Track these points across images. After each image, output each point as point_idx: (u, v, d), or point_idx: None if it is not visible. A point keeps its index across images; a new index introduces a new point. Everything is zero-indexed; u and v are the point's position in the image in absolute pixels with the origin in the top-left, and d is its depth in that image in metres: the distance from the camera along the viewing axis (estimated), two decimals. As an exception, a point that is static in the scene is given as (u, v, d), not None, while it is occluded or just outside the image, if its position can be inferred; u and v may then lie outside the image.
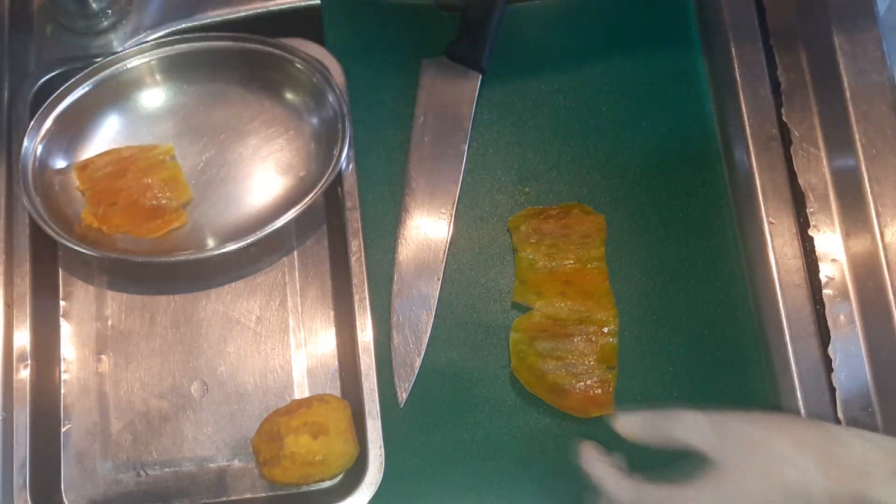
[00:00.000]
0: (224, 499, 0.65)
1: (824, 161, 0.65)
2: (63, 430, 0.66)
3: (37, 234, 0.65)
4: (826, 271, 0.63)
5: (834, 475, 0.44)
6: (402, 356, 0.64)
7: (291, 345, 0.68)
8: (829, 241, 0.64)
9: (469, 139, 0.68)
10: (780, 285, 0.63)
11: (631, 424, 0.50)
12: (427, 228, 0.66)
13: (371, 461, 0.61)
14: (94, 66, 0.67)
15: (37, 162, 0.66)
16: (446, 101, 0.68)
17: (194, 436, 0.66)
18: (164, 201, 0.67)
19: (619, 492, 0.49)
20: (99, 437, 0.66)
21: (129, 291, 0.69)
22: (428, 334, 0.64)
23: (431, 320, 0.64)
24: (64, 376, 0.67)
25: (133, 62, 0.68)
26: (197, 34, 0.69)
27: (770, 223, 0.64)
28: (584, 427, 0.62)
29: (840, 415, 0.60)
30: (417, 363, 0.64)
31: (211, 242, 0.66)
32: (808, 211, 0.64)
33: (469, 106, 0.68)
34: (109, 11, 0.70)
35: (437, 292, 0.65)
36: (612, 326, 0.63)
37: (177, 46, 0.68)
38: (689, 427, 0.48)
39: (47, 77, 0.69)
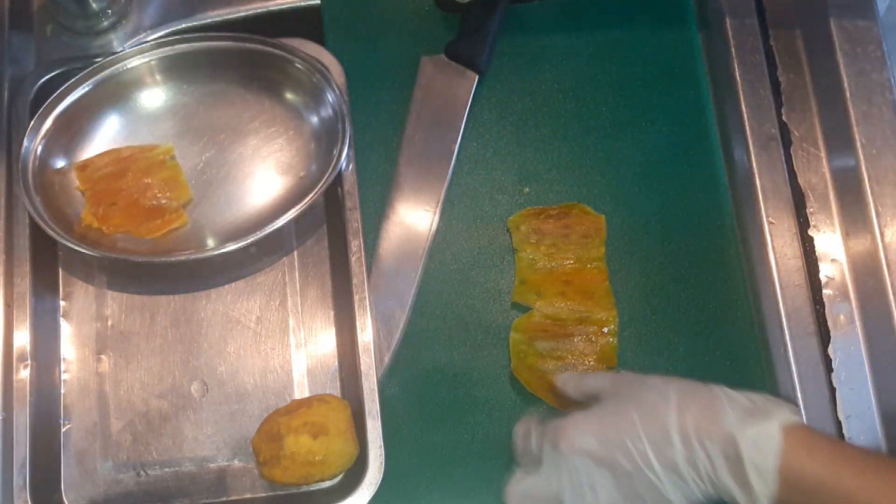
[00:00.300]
0: (224, 499, 0.65)
1: (824, 161, 0.65)
2: (63, 430, 0.66)
3: (37, 234, 0.65)
4: (826, 271, 0.63)
5: (689, 405, 0.49)
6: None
7: (291, 345, 0.68)
8: (829, 241, 0.64)
9: (461, 138, 0.68)
10: (780, 285, 0.63)
11: (563, 380, 0.58)
12: (410, 225, 0.66)
13: (371, 461, 0.61)
14: (94, 66, 0.67)
15: (37, 162, 0.66)
16: (441, 100, 0.68)
17: (194, 436, 0.66)
18: (164, 201, 0.67)
19: (524, 438, 0.56)
20: (99, 437, 0.66)
21: (129, 291, 0.69)
22: (400, 330, 0.64)
23: (405, 316, 0.65)
24: (64, 376, 0.67)
25: (133, 62, 0.68)
26: (197, 34, 0.69)
27: (770, 223, 0.64)
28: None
29: (840, 415, 0.60)
30: (387, 358, 0.64)
31: (211, 242, 0.66)
32: (808, 211, 0.64)
33: (463, 106, 0.68)
34: (109, 11, 0.70)
35: (414, 289, 0.65)
36: (612, 326, 0.63)
37: (177, 46, 0.68)
38: (596, 379, 0.56)
39: (47, 77, 0.69)
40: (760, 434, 0.47)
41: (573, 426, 0.51)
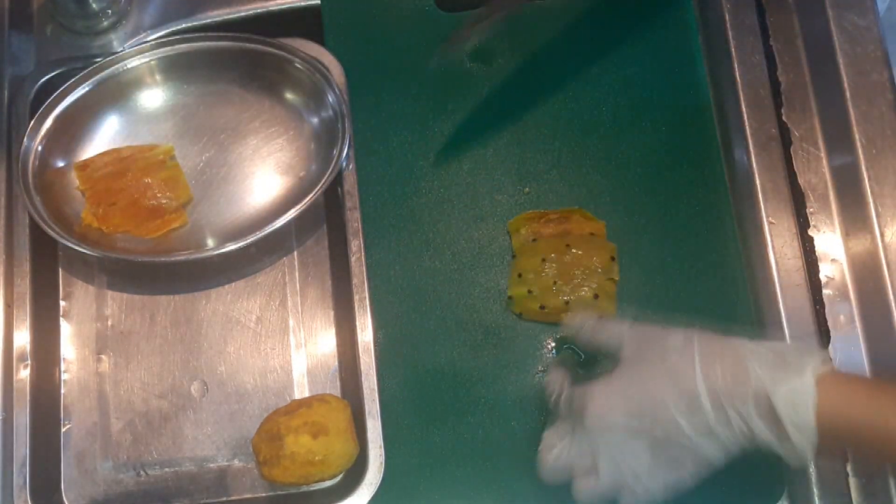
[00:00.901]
0: (224, 499, 0.65)
1: (824, 161, 0.65)
2: (63, 430, 0.66)
3: (37, 234, 0.65)
4: (826, 271, 0.63)
5: (714, 366, 0.48)
6: None
7: (291, 345, 0.68)
8: (829, 241, 0.64)
9: None
10: (780, 285, 0.63)
11: (577, 324, 0.57)
12: None
13: (371, 461, 0.61)
14: (94, 66, 0.67)
15: (37, 162, 0.66)
16: None
17: (194, 436, 0.66)
18: (164, 201, 0.67)
19: (556, 396, 0.56)
20: (99, 437, 0.66)
21: (129, 291, 0.69)
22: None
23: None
24: (64, 376, 0.67)
25: (133, 62, 0.68)
26: (197, 34, 0.69)
27: (770, 223, 0.64)
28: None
29: (840, 415, 0.60)
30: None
31: (211, 242, 0.66)
32: (808, 211, 0.64)
33: None
34: (109, 11, 0.70)
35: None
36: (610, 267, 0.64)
37: (177, 46, 0.68)
38: (612, 329, 0.55)
39: (47, 77, 0.69)
40: (794, 391, 0.46)
41: (599, 399, 0.51)
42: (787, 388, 0.46)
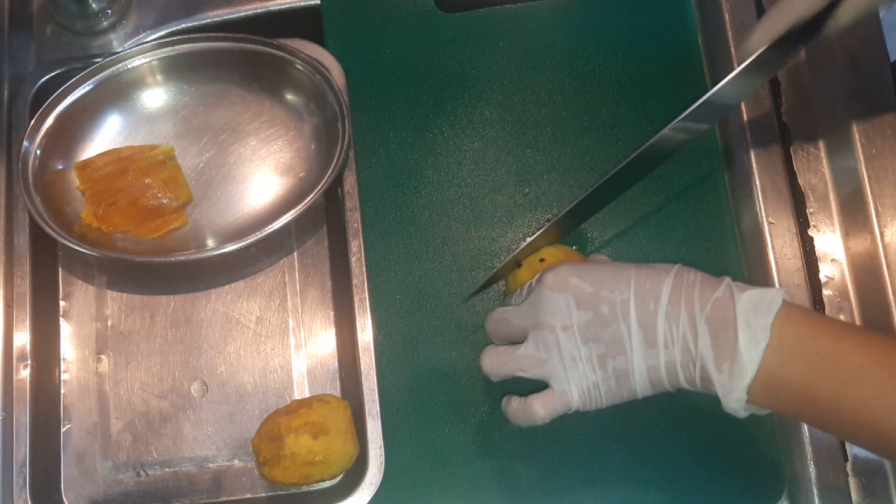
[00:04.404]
0: (224, 499, 0.65)
1: (824, 161, 0.65)
2: (63, 430, 0.66)
3: (37, 234, 0.65)
4: (826, 271, 0.63)
5: (689, 276, 0.49)
6: None
7: (291, 345, 0.68)
8: (829, 241, 0.64)
9: None
10: (780, 285, 0.63)
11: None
12: None
13: (371, 461, 0.61)
14: (94, 66, 0.67)
15: (37, 162, 0.66)
16: None
17: (194, 436, 0.66)
18: (164, 201, 0.67)
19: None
20: (99, 437, 0.66)
21: (129, 291, 0.69)
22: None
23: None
24: (64, 376, 0.67)
25: (133, 62, 0.68)
26: (197, 34, 0.69)
27: (770, 223, 0.64)
28: (580, 428, 0.62)
29: (840, 415, 0.60)
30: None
31: (211, 242, 0.66)
32: (807, 211, 0.64)
33: None
34: (109, 11, 0.70)
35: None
36: None
37: (177, 46, 0.68)
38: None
39: (47, 77, 0.69)
40: (761, 296, 0.46)
41: (568, 266, 0.51)
42: (755, 293, 0.47)
